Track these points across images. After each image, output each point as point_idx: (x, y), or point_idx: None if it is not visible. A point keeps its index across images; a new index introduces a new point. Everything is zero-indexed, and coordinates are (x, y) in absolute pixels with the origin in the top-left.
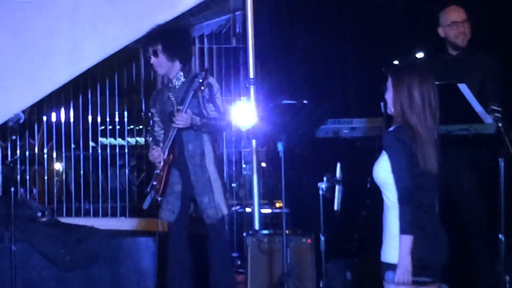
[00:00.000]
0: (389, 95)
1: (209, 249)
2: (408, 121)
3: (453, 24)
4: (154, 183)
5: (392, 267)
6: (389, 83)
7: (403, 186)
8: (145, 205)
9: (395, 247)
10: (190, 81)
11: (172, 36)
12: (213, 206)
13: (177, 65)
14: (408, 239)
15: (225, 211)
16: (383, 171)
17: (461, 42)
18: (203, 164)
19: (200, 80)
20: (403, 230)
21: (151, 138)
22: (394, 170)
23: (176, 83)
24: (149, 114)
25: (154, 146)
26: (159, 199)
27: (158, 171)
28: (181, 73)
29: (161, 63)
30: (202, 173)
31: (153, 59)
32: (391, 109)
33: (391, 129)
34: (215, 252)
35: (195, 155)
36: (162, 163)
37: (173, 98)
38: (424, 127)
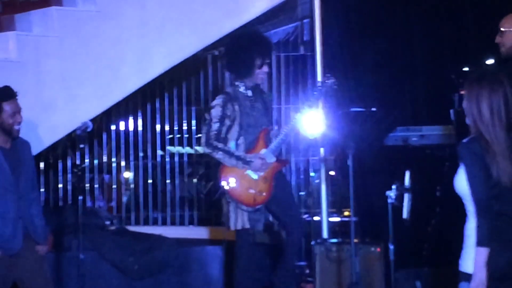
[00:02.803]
0: (465, 105)
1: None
2: (481, 132)
3: None
4: None
5: (468, 277)
6: (465, 94)
7: (478, 197)
8: None
9: (472, 257)
10: None
11: None
12: None
13: None
14: (483, 251)
15: None
16: (461, 182)
17: None
18: None
19: None
20: (478, 242)
21: None
22: (469, 182)
23: None
24: None
25: None
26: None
27: None
28: None
29: None
30: None
31: None
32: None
33: (465, 140)
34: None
35: None
36: None
37: None
38: (494, 139)
